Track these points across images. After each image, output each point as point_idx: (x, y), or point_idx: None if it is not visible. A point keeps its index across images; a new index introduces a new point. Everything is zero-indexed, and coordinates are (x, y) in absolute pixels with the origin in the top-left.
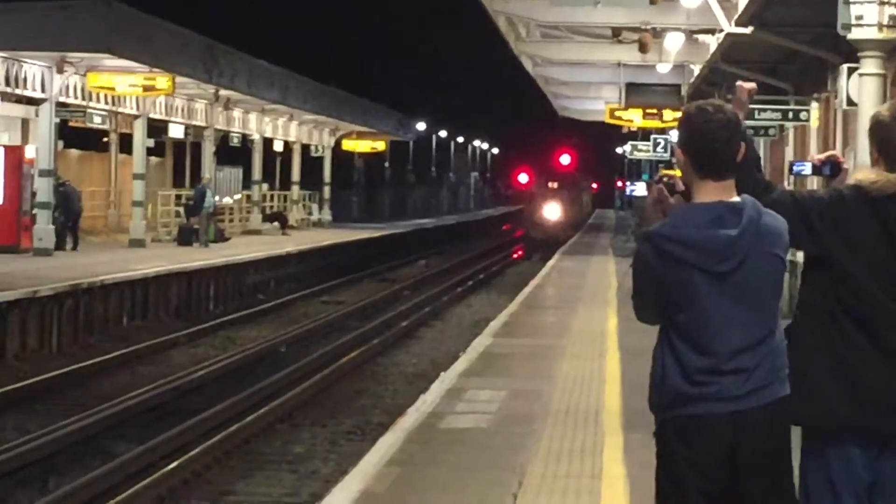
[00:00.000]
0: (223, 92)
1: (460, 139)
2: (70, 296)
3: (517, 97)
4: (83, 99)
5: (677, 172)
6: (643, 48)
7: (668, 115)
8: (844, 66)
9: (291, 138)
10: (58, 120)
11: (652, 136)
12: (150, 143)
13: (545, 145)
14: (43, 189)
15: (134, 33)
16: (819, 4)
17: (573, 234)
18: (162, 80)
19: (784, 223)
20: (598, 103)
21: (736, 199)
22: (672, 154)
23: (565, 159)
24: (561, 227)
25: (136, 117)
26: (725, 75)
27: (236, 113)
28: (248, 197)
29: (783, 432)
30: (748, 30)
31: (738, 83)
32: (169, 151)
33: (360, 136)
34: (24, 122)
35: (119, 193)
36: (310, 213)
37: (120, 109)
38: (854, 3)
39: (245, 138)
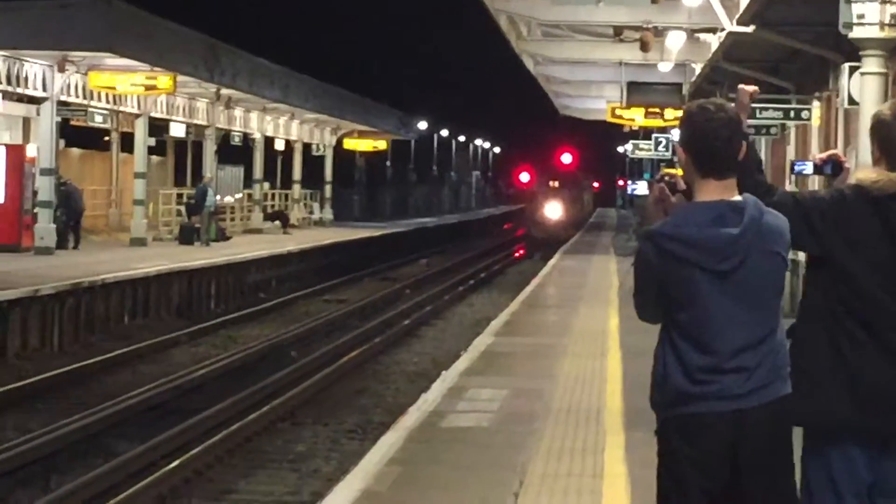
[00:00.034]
0: (224, 91)
1: (462, 138)
2: (71, 294)
3: (518, 96)
4: (84, 98)
5: (679, 171)
6: (645, 47)
7: (670, 113)
8: (846, 65)
9: (293, 137)
10: (59, 119)
11: (653, 135)
12: (152, 141)
13: (546, 144)
14: (44, 188)
15: (135, 32)
16: (820, 3)
17: (574, 234)
18: (163, 79)
19: (785, 221)
20: (600, 102)
21: (737, 197)
22: (673, 153)
23: (566, 158)
24: (562, 226)
25: (137, 116)
26: (727, 74)
27: (238, 112)
28: (250, 196)
29: (784, 431)
30: (750, 29)
31: (740, 86)
32: (170, 150)
33: (362, 134)
34: (26, 121)
35: (120, 192)
36: (311, 212)
37: (121, 108)
38: (855, 1)
39: (246, 137)
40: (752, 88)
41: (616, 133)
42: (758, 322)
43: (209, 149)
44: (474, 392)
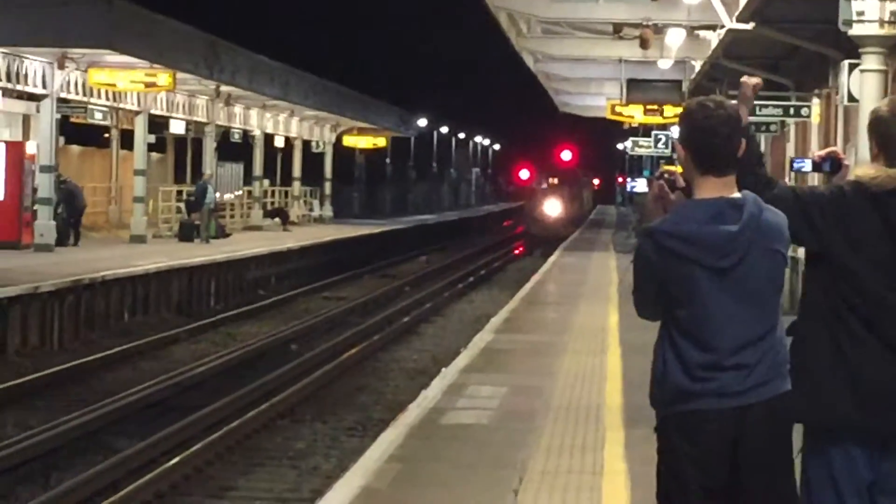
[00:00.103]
0: (224, 88)
1: (461, 135)
2: (71, 292)
3: (518, 93)
4: (84, 95)
5: (678, 169)
6: (644, 44)
7: (669, 111)
8: (845, 63)
9: (292, 134)
10: (59, 116)
11: (653, 133)
12: (152, 139)
13: (546, 141)
14: (44, 185)
15: (135, 29)
16: (820, 0)
17: (574, 231)
18: (163, 76)
19: (784, 219)
20: (600, 99)
21: (737, 195)
22: (673, 150)
23: (566, 155)
24: (562, 223)
25: (137, 113)
26: (727, 71)
27: (237, 109)
28: (250, 193)
29: (784, 429)
30: (749, 26)
31: (743, 78)
32: (170, 147)
33: (362, 132)
34: (26, 118)
35: (120, 189)
36: (311, 210)
37: (121, 105)
38: None
39: (246, 134)
40: (755, 81)
41: (616, 130)
42: (757, 319)
43: (209, 146)
44: (474, 389)
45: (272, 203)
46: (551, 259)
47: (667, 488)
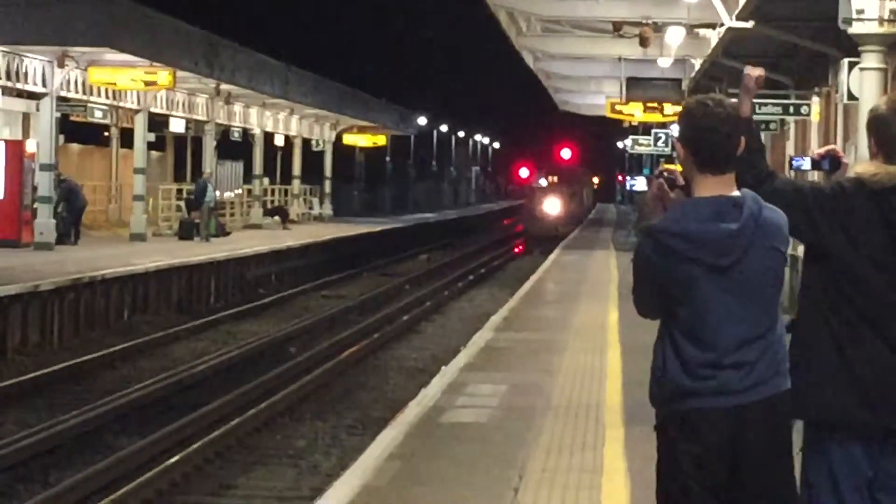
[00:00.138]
0: (224, 86)
1: (461, 133)
2: (71, 290)
3: (518, 91)
4: (84, 93)
5: (678, 167)
6: (644, 42)
7: (669, 109)
8: (845, 61)
9: (292, 133)
10: (59, 114)
11: (653, 131)
12: (151, 137)
13: (546, 140)
14: (44, 183)
15: (135, 28)
16: None
17: (573, 229)
18: (163, 75)
19: (784, 217)
20: (599, 98)
21: (736, 193)
22: (673, 148)
23: (566, 154)
24: (561, 221)
25: (136, 112)
26: (726, 70)
27: (237, 107)
28: (249, 191)
29: (784, 427)
30: (749, 24)
31: (747, 69)
32: (170, 146)
33: (361, 130)
34: (25, 117)
35: (120, 188)
36: (311, 208)
37: (121, 104)
38: None
39: (246, 133)
40: (758, 72)
41: (615, 128)
42: (757, 317)
43: (209, 144)
44: (474, 387)
45: (272, 201)
46: (551, 257)
47: (666, 486)
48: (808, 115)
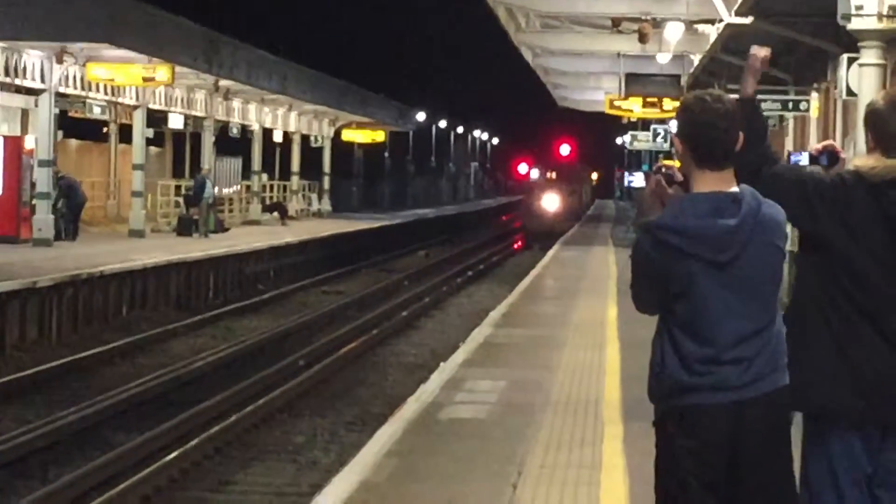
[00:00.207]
0: (223, 82)
1: (460, 129)
2: (70, 286)
3: (517, 87)
4: (83, 89)
5: (677, 163)
6: (643, 38)
7: (668, 105)
8: (844, 57)
9: (291, 129)
10: (57, 110)
11: (652, 127)
12: (150, 133)
13: (545, 136)
14: (42, 179)
15: (133, 23)
16: None
17: (572, 225)
18: (161, 71)
19: (783, 213)
20: (598, 93)
21: (735, 188)
22: (672, 144)
23: (564, 149)
24: (560, 217)
25: (135, 107)
26: (725, 65)
27: (236, 103)
28: (248, 187)
29: (783, 422)
30: (748, 20)
31: (753, 49)
32: (168, 142)
33: (360, 126)
34: (24, 113)
35: (118, 184)
36: (309, 204)
37: (119, 100)
38: None
39: (245, 129)
40: (764, 52)
41: (614, 124)
42: (756, 313)
43: (207, 140)
44: (473, 383)
45: (271, 197)
46: (550, 253)
47: (665, 482)
48: (807, 110)
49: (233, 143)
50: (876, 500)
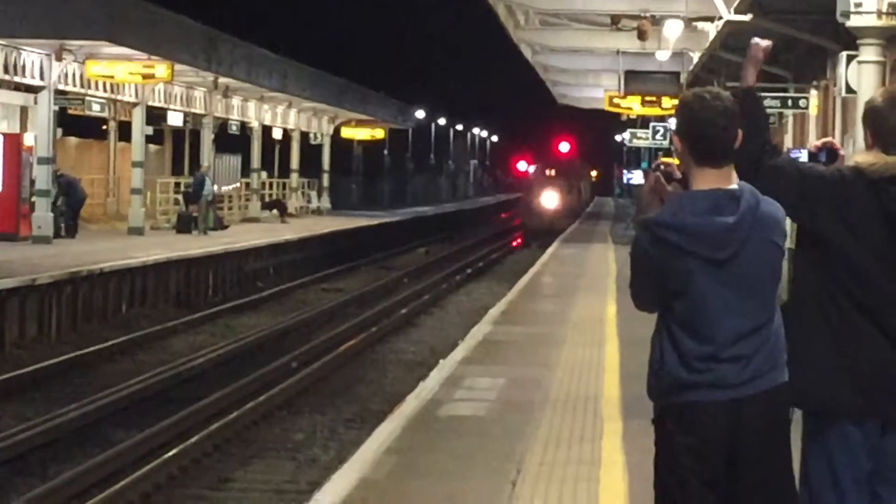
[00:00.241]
0: (222, 79)
1: (459, 127)
2: (69, 283)
3: (516, 85)
4: (82, 86)
5: (676, 160)
6: (642, 36)
7: (667, 102)
8: (843, 54)
9: (290, 126)
10: (56, 107)
11: (651, 124)
12: (149, 130)
13: (544, 133)
14: (41, 177)
15: (133, 21)
16: None
17: (571, 223)
18: (161, 68)
19: (781, 210)
20: (598, 91)
21: (734, 186)
22: (671, 142)
23: (564, 147)
24: (559, 215)
25: (134, 105)
26: (724, 63)
27: (235, 101)
28: (247, 185)
29: (782, 420)
30: (747, 17)
31: (754, 40)
32: (168, 139)
33: (360, 123)
34: (23, 110)
35: (118, 181)
36: (309, 201)
37: (119, 97)
38: None
39: (244, 126)
40: (766, 43)
41: (614, 122)
42: (754, 310)
43: (207, 137)
44: (472, 381)
45: (270, 195)
46: (549, 251)
47: (664, 479)
48: (807, 108)
49: (232, 140)
50: (876, 497)
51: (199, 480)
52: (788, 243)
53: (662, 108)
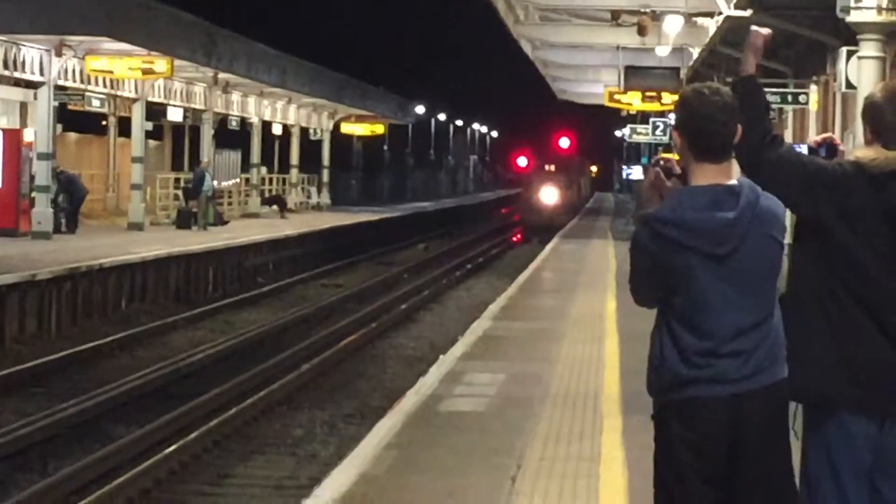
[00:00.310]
0: (222, 75)
1: (459, 122)
2: (69, 279)
3: (516, 80)
4: (82, 82)
5: (675, 156)
6: (642, 31)
7: (667, 97)
8: (843, 49)
9: (290, 121)
10: (56, 103)
11: (651, 120)
12: (149, 126)
13: (544, 128)
14: (41, 172)
15: (133, 16)
16: None
17: (571, 218)
18: (161, 63)
19: (781, 206)
20: (598, 86)
21: (733, 181)
22: (671, 137)
23: (564, 142)
24: (558, 211)
25: (134, 100)
26: (724, 58)
27: (235, 96)
28: (247, 180)
29: (782, 415)
30: (747, 12)
31: (753, 28)
32: (167, 135)
33: (359, 119)
34: (23, 106)
35: (118, 177)
36: (308, 197)
37: (118, 93)
38: None
39: (244, 121)
40: (765, 31)
41: (614, 117)
42: (754, 306)
43: (206, 133)
44: (472, 376)
45: (270, 190)
46: (549, 246)
47: (664, 475)
48: (807, 103)
49: (232, 135)
50: (875, 490)
51: (199, 476)
52: (787, 238)
53: (662, 104)
